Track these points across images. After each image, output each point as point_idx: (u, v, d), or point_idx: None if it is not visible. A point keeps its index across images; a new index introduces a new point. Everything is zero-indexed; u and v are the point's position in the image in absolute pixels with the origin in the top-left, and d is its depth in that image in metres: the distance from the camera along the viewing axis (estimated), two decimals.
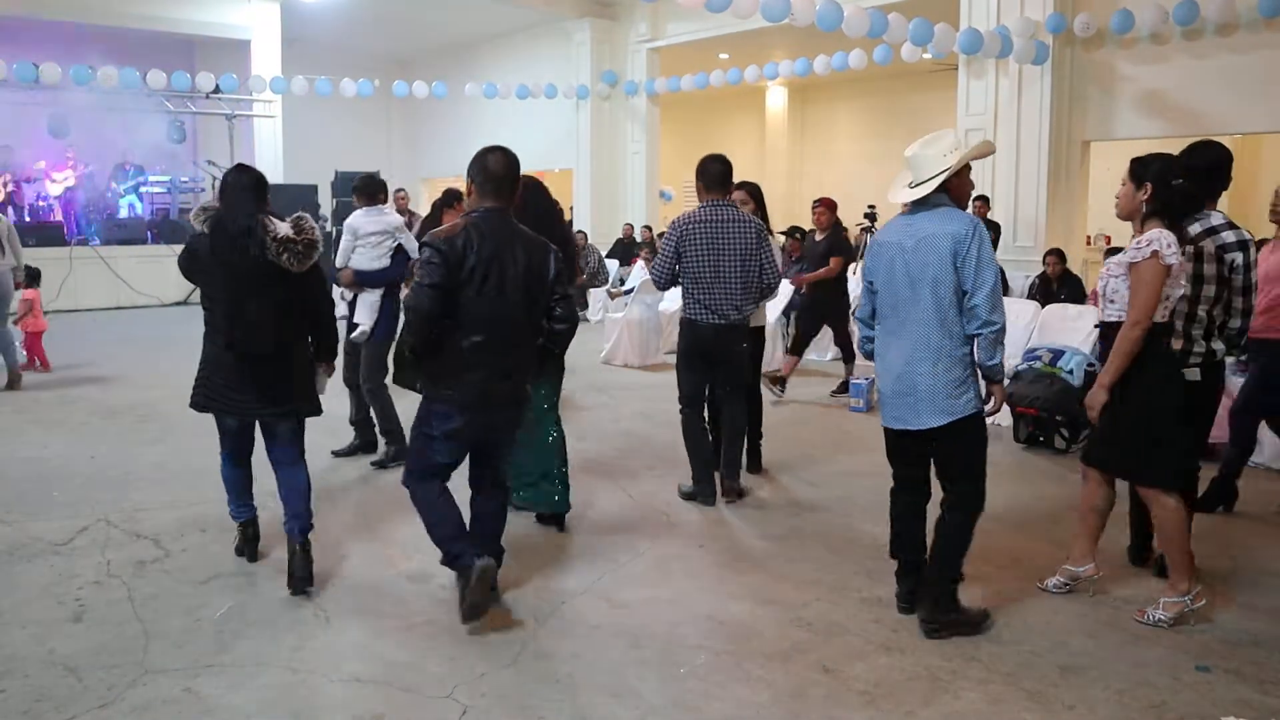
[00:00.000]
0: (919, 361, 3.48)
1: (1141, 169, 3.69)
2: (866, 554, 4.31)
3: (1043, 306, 7.68)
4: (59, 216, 15.22)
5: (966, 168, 3.55)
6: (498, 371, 3.56)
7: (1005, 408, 6.63)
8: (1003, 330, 3.46)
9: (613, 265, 13.85)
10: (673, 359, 9.28)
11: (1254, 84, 9.22)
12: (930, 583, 3.59)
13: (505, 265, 3.51)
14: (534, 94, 15.68)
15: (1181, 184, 3.64)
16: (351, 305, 5.76)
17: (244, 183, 3.89)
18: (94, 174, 15.98)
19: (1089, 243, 12.01)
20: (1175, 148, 4.29)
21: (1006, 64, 10.52)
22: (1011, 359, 6.77)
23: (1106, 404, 3.70)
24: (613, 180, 16.50)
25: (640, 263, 13.12)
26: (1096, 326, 3.91)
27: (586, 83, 15.90)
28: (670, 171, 17.39)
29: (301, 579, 3.88)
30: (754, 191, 5.76)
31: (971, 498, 3.62)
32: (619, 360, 9.51)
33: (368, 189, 5.86)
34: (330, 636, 3.52)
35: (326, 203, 15.76)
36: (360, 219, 5.74)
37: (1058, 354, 6.25)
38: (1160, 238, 3.55)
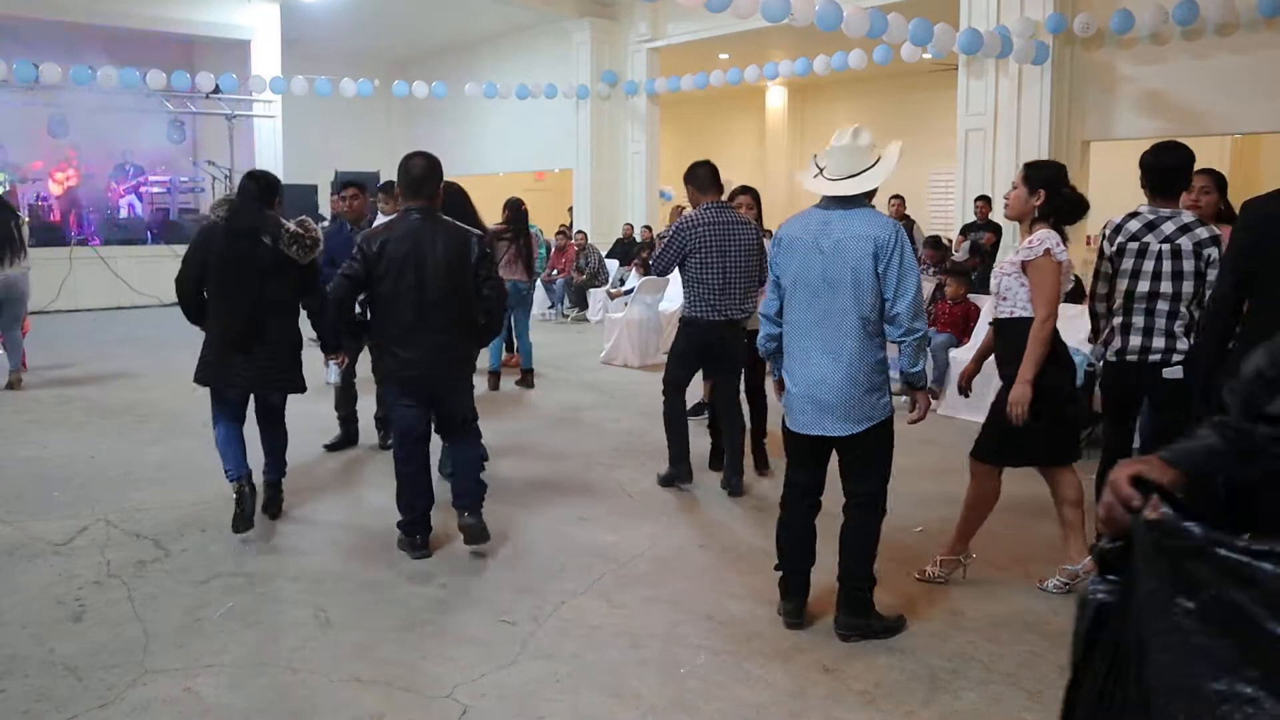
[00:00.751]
0: (835, 366, 3.38)
1: (1035, 174, 3.85)
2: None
3: None
4: (58, 216, 15.22)
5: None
6: (434, 346, 4.11)
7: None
8: (926, 338, 3.44)
9: (612, 265, 13.86)
10: None
11: (1254, 84, 9.22)
12: (842, 588, 3.53)
13: (423, 257, 4.04)
14: (534, 94, 15.67)
15: (1069, 192, 3.83)
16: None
17: (252, 189, 4.45)
18: (94, 174, 15.98)
19: (1089, 243, 11.98)
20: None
21: (1006, 64, 10.52)
22: None
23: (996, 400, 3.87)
24: (613, 180, 16.49)
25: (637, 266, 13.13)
26: (991, 324, 4.04)
27: (586, 83, 15.90)
28: (670, 171, 17.30)
29: (274, 512, 4.75)
30: (757, 197, 5.92)
31: (877, 502, 3.53)
32: (619, 360, 9.50)
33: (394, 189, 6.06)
34: (330, 636, 3.52)
35: (326, 203, 15.76)
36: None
37: None
38: (1049, 237, 3.75)
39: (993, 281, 3.97)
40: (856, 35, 9.68)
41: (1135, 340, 4.01)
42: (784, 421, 3.59)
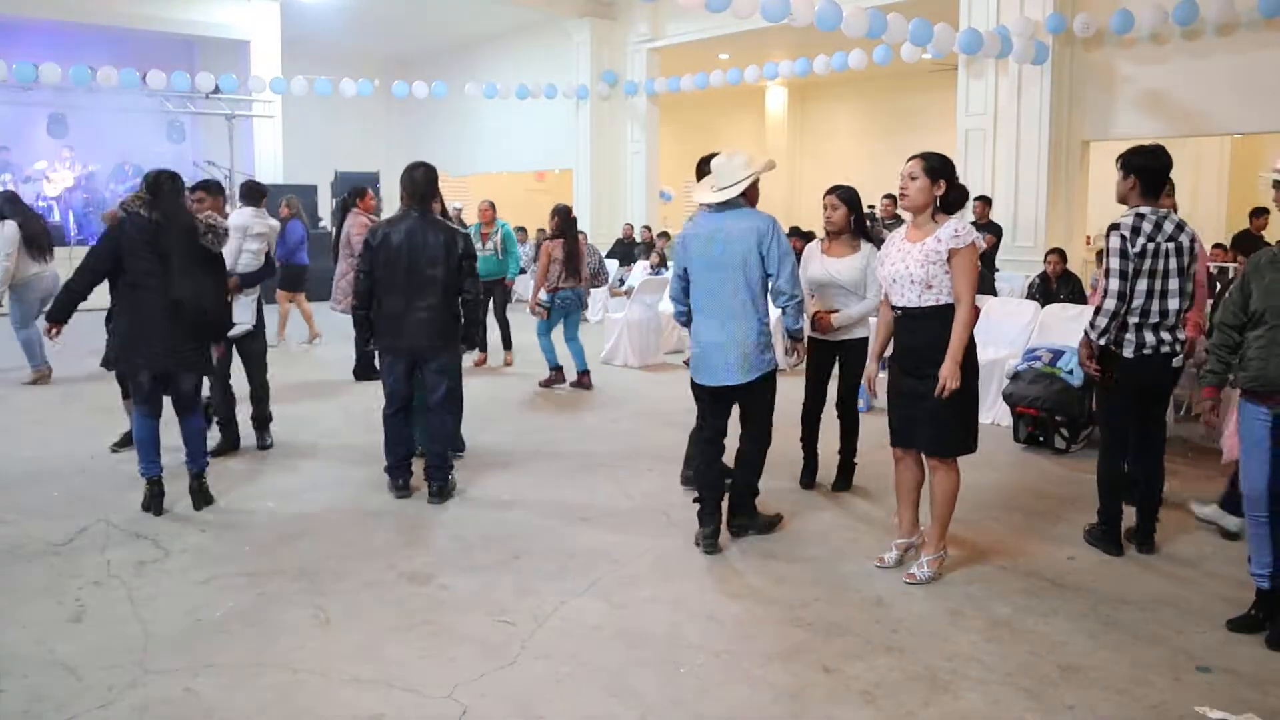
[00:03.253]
0: (735, 331, 4.23)
1: (937, 165, 3.95)
2: (867, 553, 4.31)
3: (1043, 306, 7.68)
4: (57, 217, 15.21)
5: (757, 179, 4.35)
6: (421, 322, 4.91)
7: (1005, 407, 6.67)
8: (802, 301, 4.40)
9: (612, 265, 13.85)
10: (672, 359, 9.24)
11: (1254, 84, 9.22)
12: (733, 495, 4.49)
13: (417, 250, 4.90)
14: (534, 94, 15.67)
15: (960, 185, 4.01)
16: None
17: (180, 187, 4.95)
18: (93, 174, 15.98)
19: (1089, 242, 12.01)
20: (1175, 147, 4.46)
21: (1006, 64, 10.52)
22: (1011, 359, 6.78)
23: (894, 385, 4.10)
24: (613, 180, 16.49)
25: (641, 263, 13.13)
26: (899, 310, 4.01)
27: (586, 83, 15.90)
28: (670, 171, 17.38)
29: (202, 503, 4.90)
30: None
31: (764, 434, 4.49)
32: (619, 360, 9.50)
33: (258, 191, 6.43)
34: (330, 637, 3.52)
35: (326, 203, 15.74)
36: (249, 218, 6.12)
37: (1058, 354, 6.25)
38: (969, 227, 3.94)
39: (908, 269, 3.90)
40: (856, 35, 9.68)
41: (1152, 336, 4.18)
42: (692, 377, 4.41)
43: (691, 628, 3.59)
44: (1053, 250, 9.12)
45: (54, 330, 4.91)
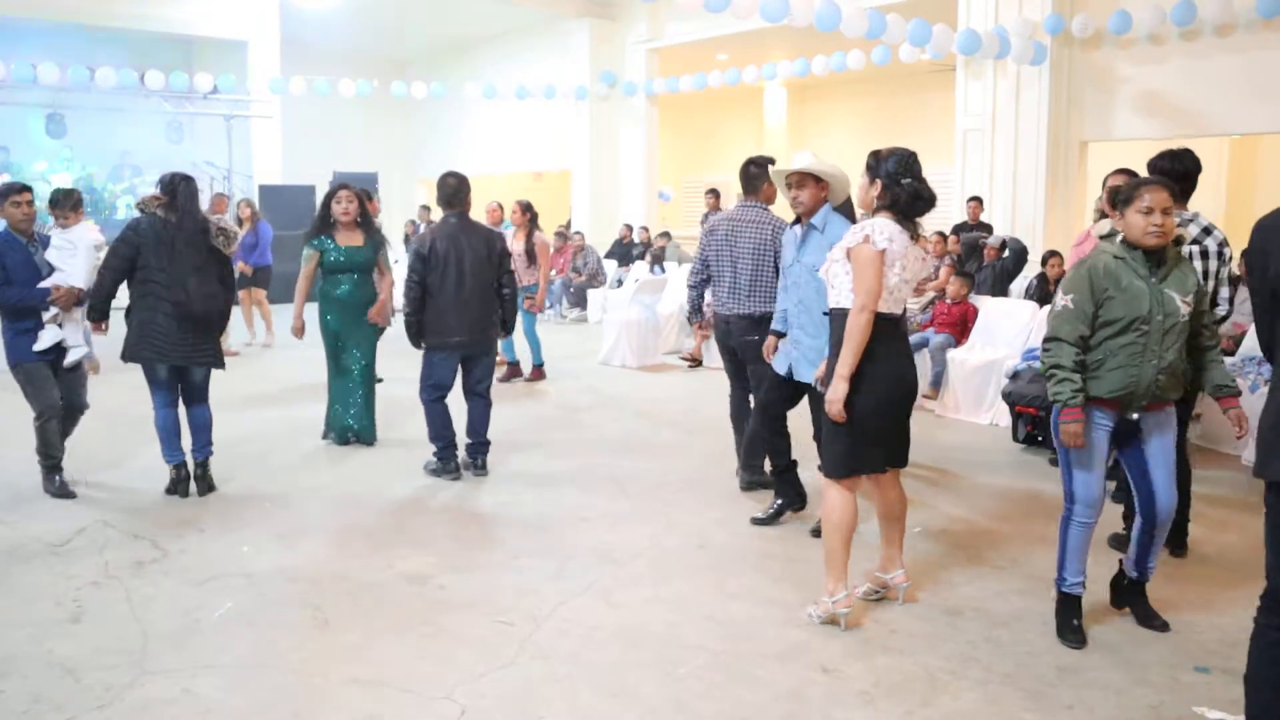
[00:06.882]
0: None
1: (875, 163, 3.62)
2: (866, 554, 4.31)
3: (1041, 307, 7.68)
4: None
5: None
6: (469, 320, 5.28)
7: (1005, 407, 6.63)
8: None
9: (610, 266, 13.85)
10: (671, 359, 9.28)
11: (1252, 84, 9.23)
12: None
13: (462, 252, 5.26)
14: (533, 94, 15.66)
15: (910, 183, 3.53)
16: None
17: (194, 190, 5.04)
18: (92, 175, 15.97)
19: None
20: (1174, 147, 4.41)
21: (1005, 65, 10.53)
22: (1010, 359, 6.78)
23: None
24: (611, 181, 16.48)
25: (639, 263, 13.13)
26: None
27: (585, 83, 15.89)
28: (669, 172, 17.36)
29: (206, 490, 5.14)
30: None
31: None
32: (617, 361, 9.49)
33: (70, 201, 5.48)
34: (329, 637, 3.52)
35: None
36: (96, 233, 5.41)
37: None
38: (875, 225, 3.49)
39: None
40: (855, 36, 9.69)
41: None
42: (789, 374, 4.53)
43: (691, 628, 3.59)
44: (1052, 253, 9.13)
45: (98, 327, 5.11)
